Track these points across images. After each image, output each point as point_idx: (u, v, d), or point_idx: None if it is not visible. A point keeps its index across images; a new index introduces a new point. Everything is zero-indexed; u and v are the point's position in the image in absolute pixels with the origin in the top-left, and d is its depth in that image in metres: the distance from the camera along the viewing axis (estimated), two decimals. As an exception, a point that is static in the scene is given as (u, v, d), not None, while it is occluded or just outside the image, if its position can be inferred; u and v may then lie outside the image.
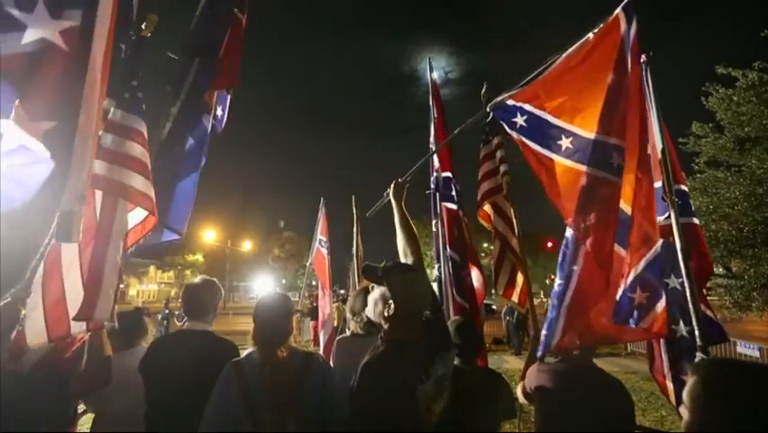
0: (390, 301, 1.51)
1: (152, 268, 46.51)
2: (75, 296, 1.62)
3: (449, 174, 3.54)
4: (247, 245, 42.71)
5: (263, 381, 1.61)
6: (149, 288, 51.88)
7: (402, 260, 1.86)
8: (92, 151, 1.47)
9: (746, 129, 9.09)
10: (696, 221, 2.57)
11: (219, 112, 3.03)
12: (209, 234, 36.87)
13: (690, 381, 1.01)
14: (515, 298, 3.57)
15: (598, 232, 2.04)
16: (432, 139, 3.83)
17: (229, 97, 3.11)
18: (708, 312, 2.36)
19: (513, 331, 12.23)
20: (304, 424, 1.58)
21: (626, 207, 2.06)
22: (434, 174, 3.64)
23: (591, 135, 2.12)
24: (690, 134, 10.26)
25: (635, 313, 2.03)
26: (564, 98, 2.24)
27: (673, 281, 2.39)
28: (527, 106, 2.31)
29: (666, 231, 2.20)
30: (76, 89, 1.39)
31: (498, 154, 3.50)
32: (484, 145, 3.43)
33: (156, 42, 2.33)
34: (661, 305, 1.99)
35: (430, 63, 4.04)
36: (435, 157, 3.64)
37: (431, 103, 3.92)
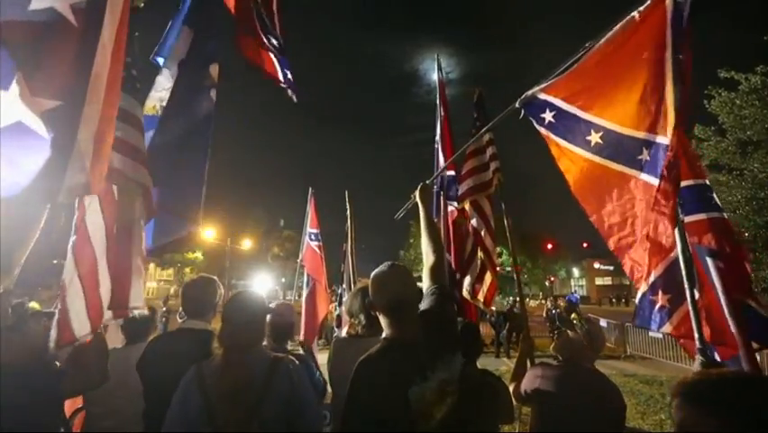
0: (370, 299, 1.55)
1: (152, 265, 46.49)
2: (105, 288, 1.66)
3: (453, 173, 3.52)
4: (247, 244, 42.69)
5: (223, 389, 1.51)
6: (148, 285, 51.77)
7: (425, 259, 1.88)
8: (101, 141, 1.36)
9: (748, 132, 9.07)
10: (725, 216, 2.26)
11: (290, 75, 2.99)
12: (209, 232, 36.84)
13: (674, 401, 1.02)
14: (480, 297, 3.54)
15: (622, 231, 1.99)
16: (438, 138, 3.80)
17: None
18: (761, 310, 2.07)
19: (499, 332, 11.94)
20: (267, 428, 1.51)
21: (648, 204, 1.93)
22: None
23: (622, 129, 1.98)
24: (693, 137, 10.24)
25: (658, 316, 1.97)
26: (596, 89, 2.08)
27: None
28: (557, 101, 2.18)
29: (695, 229, 2.08)
30: (84, 71, 1.30)
31: (490, 151, 3.46)
32: (473, 141, 3.38)
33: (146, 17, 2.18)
34: (685, 307, 1.85)
35: (438, 61, 4.00)
36: (441, 156, 3.62)
37: (437, 101, 3.89)
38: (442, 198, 3.58)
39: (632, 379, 8.26)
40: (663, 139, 1.85)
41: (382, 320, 1.52)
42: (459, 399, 1.37)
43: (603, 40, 2.00)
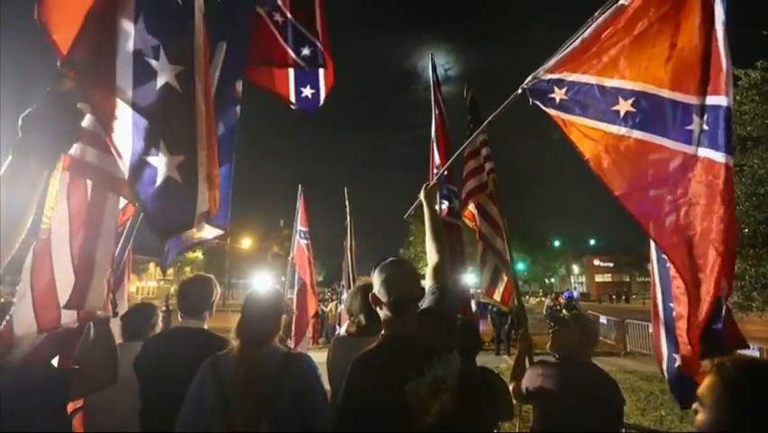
0: (374, 291, 1.54)
1: (152, 265, 46.54)
2: (65, 285, 1.60)
3: (445, 173, 3.52)
4: (246, 243, 42.69)
5: (238, 379, 1.57)
6: (148, 285, 51.88)
7: (429, 259, 1.89)
8: (211, 175, 1.72)
9: (748, 128, 9.05)
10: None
11: (309, 91, 3.08)
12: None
13: (711, 379, 0.98)
14: (497, 296, 3.63)
15: (670, 221, 1.61)
16: (433, 135, 3.80)
17: (322, 73, 3.11)
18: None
19: (499, 329, 11.92)
20: (279, 425, 1.54)
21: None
22: (435, 170, 3.62)
23: (663, 92, 1.64)
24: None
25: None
26: (624, 55, 1.74)
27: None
28: (569, 77, 1.88)
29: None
30: (191, 126, 1.67)
31: (484, 152, 3.49)
32: (469, 142, 3.40)
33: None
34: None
35: (432, 59, 4.00)
36: (436, 152, 3.62)
37: (432, 99, 3.89)
38: (437, 195, 3.60)
39: (632, 376, 8.28)
40: (722, 100, 1.50)
41: (383, 315, 1.53)
42: (456, 396, 1.39)
43: (613, 8, 1.72)
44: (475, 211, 3.67)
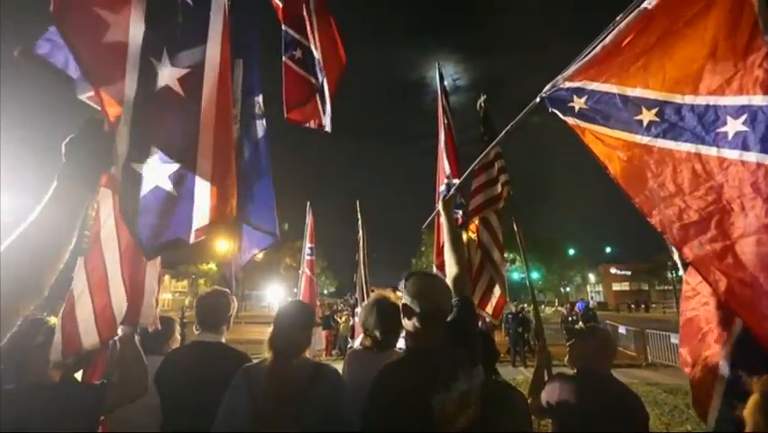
0: (406, 303, 1.54)
1: (167, 277, 47.27)
2: (119, 302, 1.71)
3: (458, 181, 3.52)
4: (259, 255, 43.03)
5: (269, 391, 1.61)
6: (163, 297, 52.16)
7: (448, 270, 1.90)
8: (218, 185, 1.58)
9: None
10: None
11: (327, 108, 3.12)
12: (222, 244, 37.32)
13: (760, 396, 0.96)
14: (489, 309, 3.65)
15: (703, 233, 1.48)
16: (442, 145, 3.81)
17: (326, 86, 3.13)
18: None
19: (514, 341, 11.72)
20: (308, 430, 1.56)
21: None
22: (446, 180, 3.63)
23: (691, 99, 1.55)
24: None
25: None
26: (646, 60, 1.66)
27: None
28: (589, 85, 1.80)
29: None
30: (192, 133, 1.56)
31: (498, 165, 3.49)
32: (485, 154, 3.41)
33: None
34: None
35: (439, 68, 4.03)
36: (446, 161, 3.63)
37: (440, 108, 3.92)
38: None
39: (655, 388, 7.99)
40: (760, 99, 1.39)
41: (410, 326, 1.54)
42: (479, 410, 1.38)
43: (635, 12, 1.64)
44: (478, 222, 3.68)
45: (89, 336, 1.72)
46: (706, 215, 1.47)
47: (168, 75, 1.55)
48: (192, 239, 1.54)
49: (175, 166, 1.50)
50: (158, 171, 1.47)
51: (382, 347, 2.02)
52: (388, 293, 2.14)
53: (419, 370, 1.41)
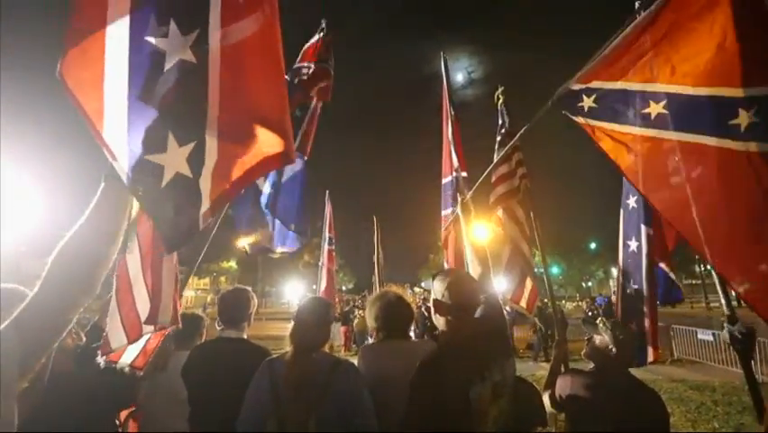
0: (436, 298, 1.61)
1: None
2: (143, 303, 1.78)
3: (465, 175, 3.50)
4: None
5: (290, 380, 1.69)
6: (186, 294, 53.81)
7: (472, 269, 1.98)
8: (223, 169, 1.36)
9: None
10: None
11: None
12: (242, 242, 38.01)
13: None
14: (523, 303, 3.60)
15: (715, 225, 1.48)
16: (450, 137, 3.79)
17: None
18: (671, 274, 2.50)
19: (539, 336, 11.59)
20: (325, 425, 1.62)
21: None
22: (453, 174, 3.61)
23: (699, 90, 1.55)
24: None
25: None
26: (657, 58, 1.69)
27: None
28: (597, 84, 1.89)
29: None
30: (202, 103, 1.36)
31: (516, 157, 3.47)
32: (499, 148, 3.39)
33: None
34: None
35: (444, 59, 3.93)
36: (455, 155, 3.61)
37: (445, 100, 3.87)
38: (458, 198, 3.61)
39: (680, 385, 7.77)
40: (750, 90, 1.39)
41: (443, 321, 1.59)
42: (510, 401, 1.45)
43: (643, 15, 1.68)
44: (504, 216, 3.66)
45: (119, 338, 1.82)
46: (717, 207, 1.46)
47: (179, 47, 1.36)
48: (201, 224, 1.34)
49: (190, 146, 1.33)
50: (177, 157, 1.31)
51: (382, 339, 2.04)
52: (396, 288, 2.17)
53: (457, 362, 1.45)
